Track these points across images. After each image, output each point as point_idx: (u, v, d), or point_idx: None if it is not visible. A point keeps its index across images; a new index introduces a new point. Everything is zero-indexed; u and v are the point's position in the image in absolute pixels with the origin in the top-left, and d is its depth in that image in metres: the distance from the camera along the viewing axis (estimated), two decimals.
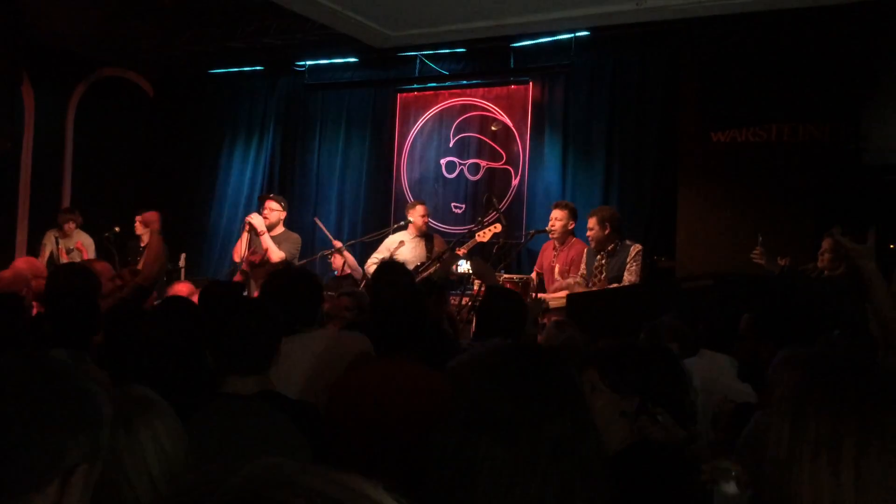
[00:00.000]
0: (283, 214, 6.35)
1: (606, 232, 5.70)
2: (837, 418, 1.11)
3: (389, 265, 3.80)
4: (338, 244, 7.10)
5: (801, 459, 1.10)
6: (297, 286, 2.94)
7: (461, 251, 6.26)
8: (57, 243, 7.64)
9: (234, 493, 0.63)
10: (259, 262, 6.09)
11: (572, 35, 7.30)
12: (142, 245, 7.54)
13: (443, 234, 7.45)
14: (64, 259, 7.60)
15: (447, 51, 8.12)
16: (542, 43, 7.58)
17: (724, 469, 1.71)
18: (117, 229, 7.47)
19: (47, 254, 7.63)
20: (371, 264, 6.70)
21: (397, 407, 2.36)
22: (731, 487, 1.68)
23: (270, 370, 2.30)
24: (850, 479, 1.07)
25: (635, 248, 5.70)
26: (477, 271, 4.78)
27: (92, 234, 7.78)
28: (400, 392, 2.40)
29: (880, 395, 1.13)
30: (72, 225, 7.65)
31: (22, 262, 5.08)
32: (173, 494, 0.66)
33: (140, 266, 6.98)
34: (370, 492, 0.65)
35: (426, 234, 6.76)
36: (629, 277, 5.62)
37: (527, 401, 1.08)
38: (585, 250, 5.91)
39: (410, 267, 6.46)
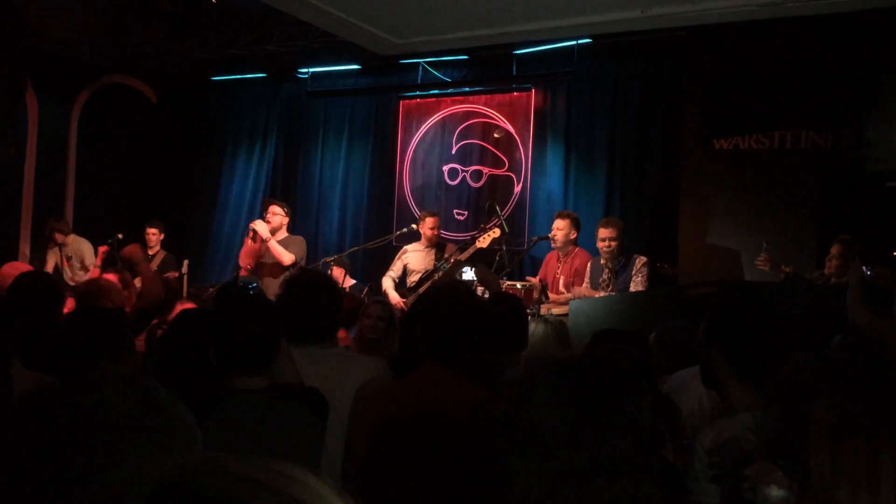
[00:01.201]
0: (285, 219, 6.38)
1: (623, 243, 5.70)
2: (875, 448, 1.20)
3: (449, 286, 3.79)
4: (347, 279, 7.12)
5: (843, 484, 1.20)
6: (316, 294, 2.83)
7: (462, 257, 6.26)
8: (61, 251, 7.65)
9: (161, 482, 0.64)
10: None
11: (574, 42, 7.32)
12: (150, 254, 7.60)
13: (446, 241, 7.45)
14: (64, 266, 7.61)
15: (449, 58, 8.13)
16: (544, 50, 7.59)
17: (769, 472, 1.69)
18: (120, 236, 7.45)
19: (52, 264, 7.64)
20: (387, 278, 6.74)
21: (441, 416, 2.34)
22: (774, 491, 1.66)
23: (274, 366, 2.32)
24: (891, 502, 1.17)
25: (640, 260, 5.68)
26: (481, 279, 4.77)
27: (95, 241, 7.79)
28: (444, 402, 2.38)
29: None
30: (60, 236, 7.65)
31: (9, 268, 5.07)
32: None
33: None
34: (300, 476, 0.67)
35: (438, 244, 6.75)
36: (635, 289, 5.59)
37: (580, 424, 1.04)
38: (590, 262, 5.87)
39: (416, 276, 6.48)
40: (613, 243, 5.63)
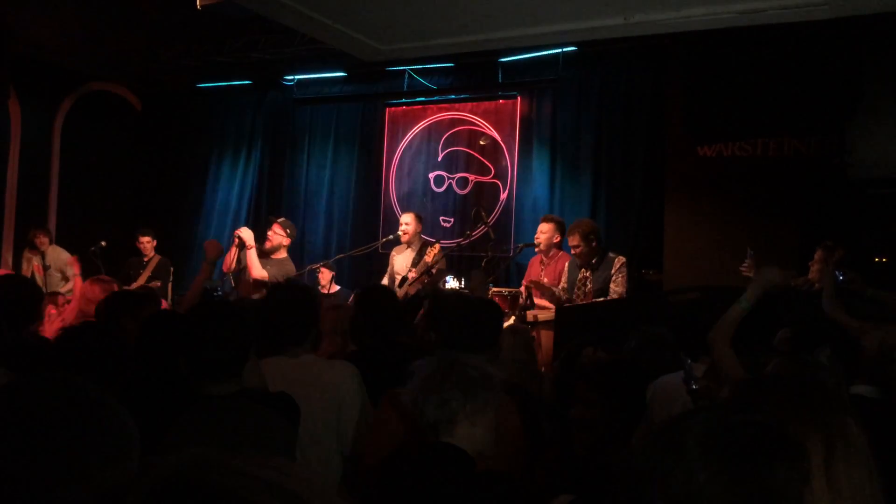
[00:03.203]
0: (285, 241, 6.21)
1: (593, 245, 5.72)
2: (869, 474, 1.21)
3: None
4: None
5: None
6: (292, 303, 2.88)
7: (413, 274, 6.22)
8: (43, 259, 7.59)
9: (163, 477, 0.66)
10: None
11: (559, 50, 7.37)
12: (144, 260, 7.56)
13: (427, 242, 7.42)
14: (39, 275, 7.55)
15: (435, 65, 8.15)
16: (529, 58, 7.63)
17: None
18: (103, 244, 7.42)
19: (30, 272, 7.59)
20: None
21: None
22: None
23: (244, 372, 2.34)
24: None
25: (619, 261, 5.72)
26: (472, 285, 4.76)
27: (78, 249, 7.73)
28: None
29: None
30: (44, 239, 7.62)
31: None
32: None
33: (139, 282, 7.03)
34: (292, 469, 0.70)
35: (418, 244, 6.70)
36: (616, 289, 5.64)
37: (732, 489, 1.03)
38: (568, 262, 5.93)
39: (398, 277, 6.46)
40: (577, 249, 5.73)
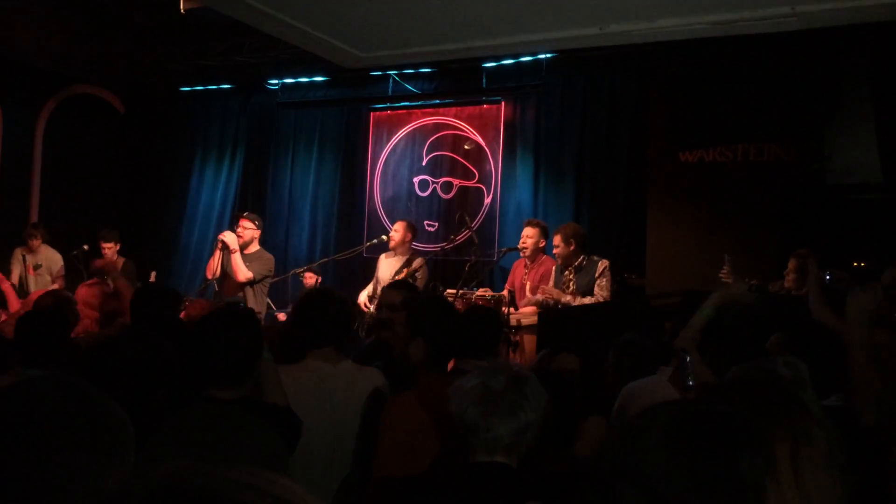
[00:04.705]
0: (256, 233, 6.25)
1: (571, 248, 5.78)
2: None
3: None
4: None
5: None
6: (326, 310, 2.93)
7: (401, 276, 6.26)
8: (24, 261, 7.54)
9: (159, 484, 0.66)
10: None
11: (543, 56, 7.40)
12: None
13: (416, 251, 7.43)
14: (31, 275, 7.50)
15: (420, 70, 8.17)
16: (513, 63, 7.66)
17: None
18: (86, 247, 7.39)
19: (17, 273, 7.53)
20: (363, 293, 6.72)
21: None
22: None
23: (251, 380, 2.35)
24: None
25: (603, 264, 5.77)
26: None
27: (60, 252, 7.70)
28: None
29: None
30: (37, 240, 7.56)
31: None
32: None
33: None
34: (278, 478, 0.70)
35: (407, 253, 6.69)
36: (600, 293, 5.69)
37: (695, 478, 1.04)
38: (554, 266, 5.98)
39: (383, 283, 6.47)
40: (556, 249, 5.84)
